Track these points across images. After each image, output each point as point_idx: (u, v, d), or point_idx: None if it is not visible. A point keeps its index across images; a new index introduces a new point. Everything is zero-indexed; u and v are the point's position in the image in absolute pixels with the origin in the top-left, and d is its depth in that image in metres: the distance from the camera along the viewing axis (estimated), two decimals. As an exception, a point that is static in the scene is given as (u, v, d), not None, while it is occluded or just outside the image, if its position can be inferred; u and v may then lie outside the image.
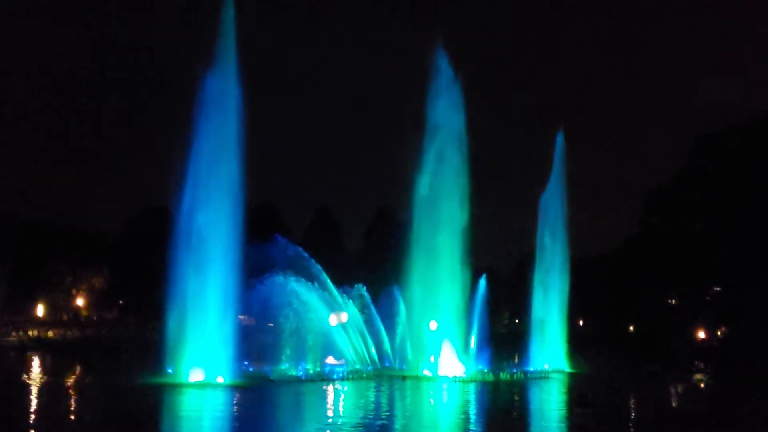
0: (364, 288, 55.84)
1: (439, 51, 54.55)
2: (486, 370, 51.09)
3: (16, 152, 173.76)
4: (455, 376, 48.90)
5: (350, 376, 47.81)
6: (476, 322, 53.48)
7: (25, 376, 48.34)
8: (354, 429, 28.11)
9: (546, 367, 56.71)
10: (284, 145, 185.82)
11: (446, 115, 54.44)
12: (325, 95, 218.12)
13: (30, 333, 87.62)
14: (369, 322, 54.45)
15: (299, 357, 48.82)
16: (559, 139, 63.97)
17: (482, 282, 54.04)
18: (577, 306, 66.33)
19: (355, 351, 51.70)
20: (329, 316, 50.77)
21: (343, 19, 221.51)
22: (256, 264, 47.05)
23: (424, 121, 54.18)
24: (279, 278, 48.82)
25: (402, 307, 54.41)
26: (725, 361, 64.31)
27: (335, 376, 47.51)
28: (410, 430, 29.78)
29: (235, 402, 36.26)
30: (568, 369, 58.21)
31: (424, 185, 53.84)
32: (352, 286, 55.32)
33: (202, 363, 41.84)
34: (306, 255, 52.48)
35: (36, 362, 60.96)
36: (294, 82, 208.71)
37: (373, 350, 53.26)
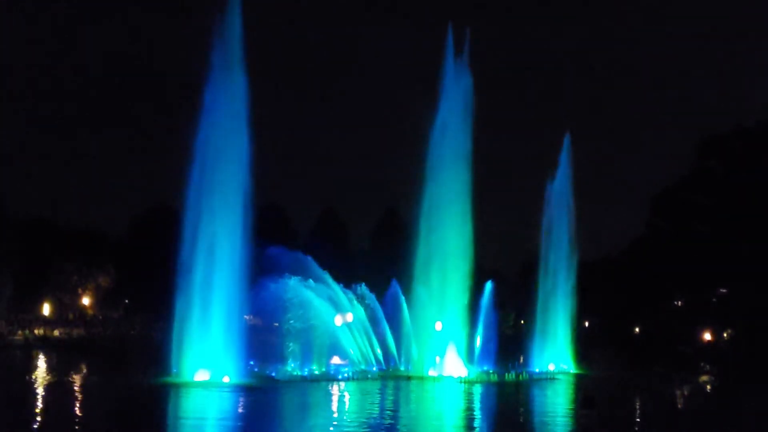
0: (363, 285, 55.63)
1: (448, 52, 54.69)
2: (491, 371, 51.09)
3: (22, 151, 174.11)
4: (460, 377, 48.86)
5: (355, 377, 47.81)
6: (481, 323, 53.47)
7: (31, 375, 48.45)
8: (359, 429, 28.11)
9: (551, 368, 56.63)
10: (291, 145, 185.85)
11: (453, 117, 54.43)
12: (332, 95, 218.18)
13: (36, 332, 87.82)
14: (374, 321, 54.34)
15: (305, 357, 48.82)
16: (566, 141, 63.96)
17: (489, 284, 54.04)
18: (582, 307, 66.23)
19: (361, 351, 51.68)
20: (334, 317, 50.76)
21: (349, 18, 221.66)
22: (262, 265, 47.10)
23: (431, 122, 54.21)
24: (284, 279, 48.80)
25: (406, 308, 54.33)
26: (731, 363, 64.12)
27: (340, 377, 47.54)
28: (415, 431, 29.78)
29: (240, 402, 36.31)
30: (573, 370, 58.13)
31: (430, 187, 53.82)
32: (354, 286, 55.16)
33: (207, 363, 41.88)
34: (310, 257, 52.45)
35: (41, 361, 61.07)
36: (300, 80, 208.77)
37: (379, 350, 53.23)
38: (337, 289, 52.09)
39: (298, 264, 51.00)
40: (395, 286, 54.78)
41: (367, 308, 54.45)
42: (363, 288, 55.18)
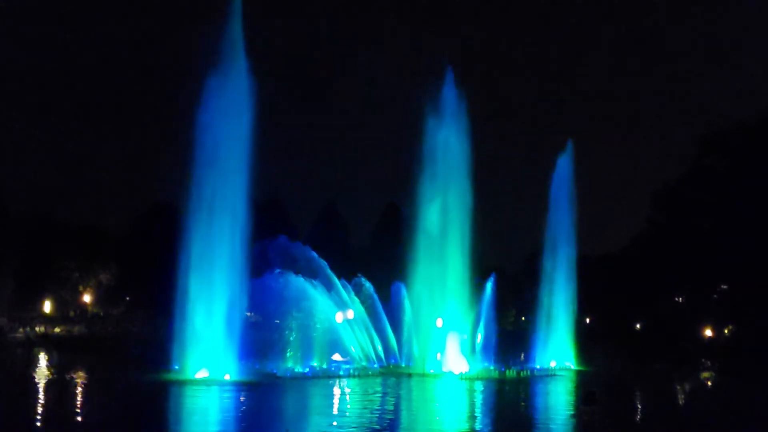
0: (363, 278, 55.51)
1: (443, 52, 54.75)
2: (492, 368, 51.08)
3: (23, 148, 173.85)
4: (461, 374, 48.88)
5: (356, 373, 47.80)
6: (483, 319, 53.43)
7: (32, 372, 48.43)
8: (360, 426, 28.09)
9: (553, 364, 56.60)
10: (291, 140, 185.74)
11: (452, 113, 54.35)
12: (332, 90, 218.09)
13: (37, 329, 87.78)
14: (374, 318, 54.25)
15: (306, 354, 48.79)
16: (568, 138, 63.93)
17: (490, 280, 54.00)
18: (583, 304, 66.17)
19: (361, 348, 51.66)
20: (335, 313, 50.72)
21: (350, 16, 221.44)
22: (263, 261, 47.07)
23: (430, 118, 54.13)
24: (286, 275, 48.74)
25: (407, 304, 54.30)
26: (732, 359, 64.20)
27: (341, 373, 47.52)
28: (416, 427, 29.76)
29: (242, 399, 36.27)
30: (574, 367, 58.09)
31: (430, 182, 53.74)
32: (355, 281, 55.06)
33: (208, 360, 41.89)
34: (313, 253, 52.39)
35: (42, 358, 61.05)
36: (301, 76, 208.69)
37: (379, 347, 53.20)
38: (338, 284, 52.07)
39: (298, 254, 50.99)
40: (400, 286, 54.69)
41: (368, 305, 54.42)
42: (364, 282, 55.12)
